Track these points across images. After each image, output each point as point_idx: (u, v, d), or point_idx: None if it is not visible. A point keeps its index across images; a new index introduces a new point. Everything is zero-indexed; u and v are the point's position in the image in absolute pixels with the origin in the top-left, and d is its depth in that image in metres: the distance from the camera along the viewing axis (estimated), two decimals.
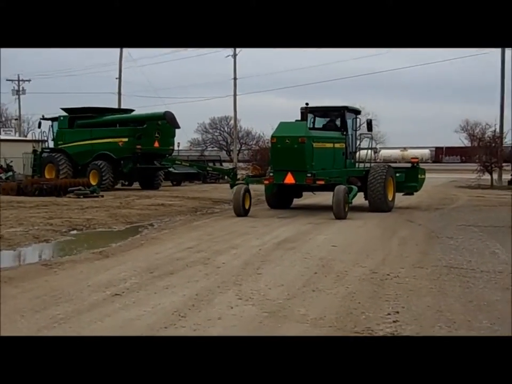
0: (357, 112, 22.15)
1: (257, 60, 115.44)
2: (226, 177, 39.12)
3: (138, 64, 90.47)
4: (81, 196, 24.46)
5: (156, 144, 30.75)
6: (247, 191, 18.97)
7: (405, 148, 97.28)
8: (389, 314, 7.00)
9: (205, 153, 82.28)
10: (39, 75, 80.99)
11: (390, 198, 20.65)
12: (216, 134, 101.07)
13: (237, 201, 18.57)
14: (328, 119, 21.78)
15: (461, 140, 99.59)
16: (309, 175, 18.60)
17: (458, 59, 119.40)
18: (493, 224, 16.32)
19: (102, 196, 24.94)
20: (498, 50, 39.84)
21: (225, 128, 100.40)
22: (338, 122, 21.42)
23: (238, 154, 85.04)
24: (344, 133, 21.12)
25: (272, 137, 19.27)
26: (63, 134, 31.90)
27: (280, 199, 21.20)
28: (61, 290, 8.15)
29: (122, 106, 46.49)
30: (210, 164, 42.78)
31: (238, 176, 35.79)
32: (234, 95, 54.56)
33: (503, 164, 38.70)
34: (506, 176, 39.28)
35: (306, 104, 20.00)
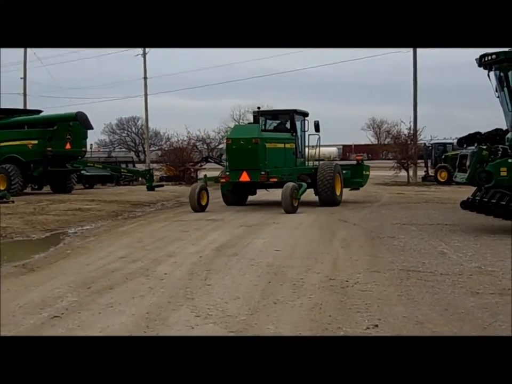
0: (305, 114, 23.47)
1: (161, 60, 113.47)
2: (140, 178, 38.15)
3: (44, 63, 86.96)
4: None
5: (68, 146, 29.26)
6: (203, 188, 20.13)
7: (313, 146, 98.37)
8: (368, 328, 6.35)
9: (113, 155, 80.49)
10: None
11: (338, 193, 22.02)
12: (124, 134, 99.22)
13: (193, 198, 19.67)
14: (278, 121, 23.12)
15: (368, 138, 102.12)
16: (262, 173, 20.05)
17: (365, 59, 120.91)
18: (427, 222, 16.04)
19: (13, 202, 23.39)
20: (407, 50, 40.05)
21: (133, 129, 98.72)
22: (287, 124, 22.80)
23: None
24: (294, 134, 22.51)
25: (228, 138, 20.84)
26: None
27: (236, 197, 22.22)
28: None
29: (29, 107, 44.44)
30: (123, 166, 41.55)
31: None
32: (145, 94, 53.16)
33: (418, 161, 39.11)
34: (420, 173, 39.84)
35: (258, 108, 22.54)
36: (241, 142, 20.16)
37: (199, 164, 43.86)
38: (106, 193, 30.28)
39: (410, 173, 37.89)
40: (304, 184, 20.28)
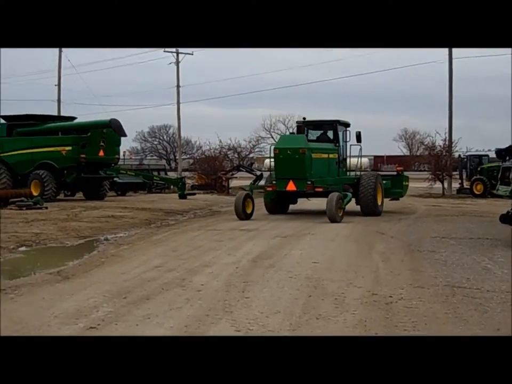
0: (347, 125, 23.57)
1: (192, 69, 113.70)
2: (172, 186, 38.08)
3: (78, 70, 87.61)
4: (24, 208, 22.87)
5: (101, 153, 29.26)
6: (249, 196, 20.58)
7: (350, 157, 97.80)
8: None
9: (144, 162, 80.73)
10: None
11: (379, 203, 22.37)
12: (155, 142, 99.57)
13: (238, 206, 20.04)
14: (321, 131, 23.42)
15: (400, 149, 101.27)
16: (308, 182, 20.44)
17: (397, 69, 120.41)
18: (467, 236, 15.62)
19: (46, 208, 23.40)
20: (441, 61, 39.63)
21: (165, 137, 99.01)
22: (330, 134, 23.10)
23: (177, 164, 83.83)
24: (337, 144, 22.75)
25: (275, 148, 21.03)
26: (0, 142, 30.07)
27: (278, 205, 22.59)
28: (24, 323, 6.93)
29: (63, 114, 44.68)
30: (156, 173, 41.53)
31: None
32: (178, 103, 53.19)
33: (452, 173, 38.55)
34: (454, 185, 39.27)
35: (304, 118, 23.16)
36: (288, 152, 20.52)
37: (231, 173, 43.67)
38: (138, 200, 30.22)
39: (446, 185, 37.31)
40: (349, 194, 20.88)
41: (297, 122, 23.44)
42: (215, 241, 14.42)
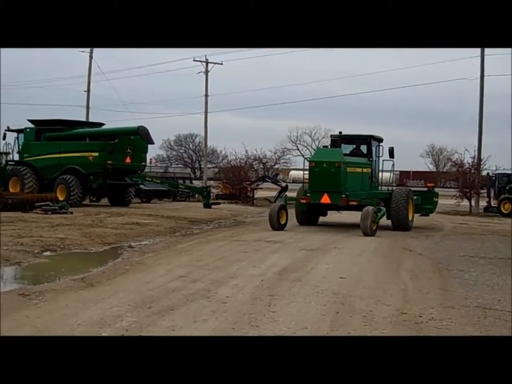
0: (380, 140, 24.05)
1: (220, 78, 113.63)
2: (197, 195, 38.02)
3: (107, 77, 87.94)
4: (49, 212, 22.88)
5: (128, 160, 29.29)
6: (283, 208, 20.90)
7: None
8: None
9: (169, 170, 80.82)
10: (4, 85, 78.65)
11: (410, 218, 22.55)
12: (181, 151, 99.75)
13: (273, 217, 20.39)
14: (354, 145, 23.65)
15: (426, 165, 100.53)
16: (343, 196, 20.74)
17: (423, 85, 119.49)
18: (496, 256, 15.32)
19: (71, 213, 23.38)
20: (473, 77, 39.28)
21: (191, 146, 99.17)
22: (364, 149, 23.43)
23: (202, 172, 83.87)
24: (370, 159, 23.20)
25: (311, 161, 21.53)
26: (29, 146, 30.18)
27: (309, 217, 22.83)
28: (48, 330, 6.83)
29: (91, 120, 44.88)
30: (181, 181, 41.53)
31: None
32: (206, 112, 53.23)
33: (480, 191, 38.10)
34: (482, 203, 38.81)
35: (340, 132, 23.35)
36: (324, 165, 20.83)
37: (256, 183, 43.57)
38: (163, 208, 30.17)
39: (473, 202, 36.86)
40: (383, 209, 21.07)
41: (331, 136, 23.87)
42: (240, 252, 14.28)
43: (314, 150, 23.92)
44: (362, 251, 15.52)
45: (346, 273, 11.46)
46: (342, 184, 20.86)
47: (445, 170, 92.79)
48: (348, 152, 23.08)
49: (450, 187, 51.78)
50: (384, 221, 21.87)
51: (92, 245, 15.16)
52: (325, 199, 20.97)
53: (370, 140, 23.43)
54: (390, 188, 24.31)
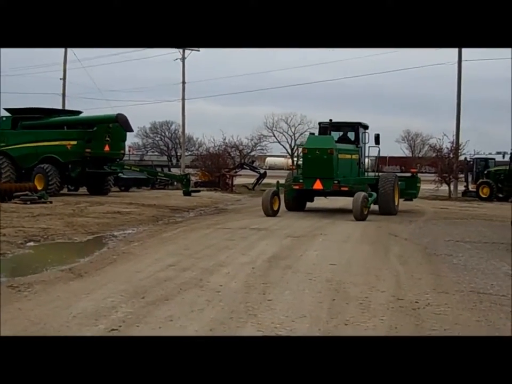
0: (366, 127, 24.56)
1: (194, 66, 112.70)
2: (176, 183, 37.82)
3: (83, 65, 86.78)
4: (28, 202, 22.58)
5: (106, 148, 28.95)
6: (276, 194, 21.11)
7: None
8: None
9: (145, 158, 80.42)
10: None
11: (396, 203, 23.19)
12: (157, 138, 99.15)
13: (266, 203, 20.64)
14: (341, 132, 24.20)
15: (402, 150, 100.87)
16: (335, 182, 21.29)
17: (399, 71, 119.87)
18: (481, 240, 15.37)
19: (51, 202, 23.09)
20: (447, 63, 39.39)
21: (166, 133, 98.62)
22: (351, 136, 24.02)
23: (179, 160, 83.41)
24: (358, 145, 23.74)
25: (304, 148, 22.03)
26: (5, 135, 29.61)
27: (297, 203, 23.26)
28: (42, 323, 6.67)
29: (67, 108, 44.33)
30: (159, 170, 41.26)
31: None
32: (183, 99, 52.90)
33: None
34: (460, 188, 39.06)
35: (330, 120, 23.86)
36: (317, 152, 21.31)
37: (234, 170, 43.45)
38: (143, 196, 29.95)
39: (451, 187, 37.06)
40: (374, 194, 21.50)
41: (320, 123, 24.30)
42: (227, 240, 14.16)
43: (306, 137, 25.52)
44: (348, 237, 15.49)
45: (336, 260, 11.40)
46: (334, 170, 21.34)
47: (420, 155, 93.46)
48: (336, 139, 23.40)
49: (426, 172, 52.15)
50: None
51: (75, 235, 14.95)
52: (317, 185, 21.40)
53: (358, 127, 24.01)
54: (376, 173, 24.67)
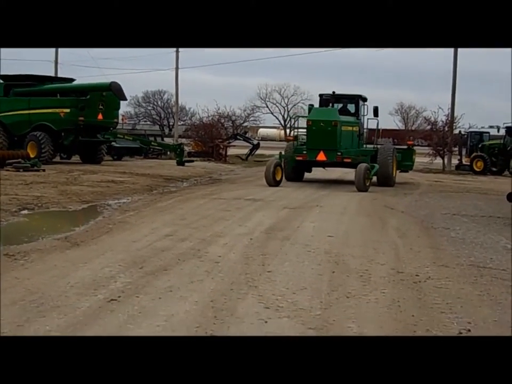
0: (365, 99, 24.90)
1: None
2: (169, 153, 37.58)
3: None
4: (21, 170, 22.38)
5: (100, 117, 28.67)
6: (278, 165, 21.45)
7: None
8: (460, 333, 5.74)
9: (136, 127, 79.85)
10: None
11: (394, 174, 23.52)
12: (149, 108, 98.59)
13: (269, 173, 20.87)
14: (341, 104, 24.49)
15: (395, 123, 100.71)
16: (338, 153, 21.67)
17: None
18: (478, 214, 15.31)
19: (44, 170, 22.90)
20: None
21: (159, 103, 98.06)
22: (351, 108, 24.51)
23: (171, 130, 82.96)
24: (358, 117, 24.22)
25: (308, 120, 22.34)
26: None
27: (296, 174, 23.61)
28: (40, 292, 6.57)
29: (59, 76, 43.89)
30: (152, 139, 40.99)
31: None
32: (176, 68, 52.47)
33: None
34: (453, 161, 39.03)
35: (333, 92, 24.10)
36: (321, 124, 21.66)
37: (228, 141, 43.23)
38: (136, 166, 29.76)
39: (445, 161, 37.01)
40: (376, 165, 21.64)
41: (321, 95, 24.52)
42: (223, 210, 14.06)
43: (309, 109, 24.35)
44: (345, 209, 15.42)
45: (334, 232, 11.32)
46: (338, 142, 21.69)
47: (413, 128, 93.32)
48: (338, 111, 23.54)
49: (418, 145, 52.01)
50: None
51: (69, 203, 14.81)
52: (321, 157, 21.81)
53: (358, 99, 24.45)
54: (375, 145, 24.76)
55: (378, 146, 24.68)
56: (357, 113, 24.26)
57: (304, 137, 23.71)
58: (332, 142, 21.62)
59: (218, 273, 7.75)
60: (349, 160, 21.84)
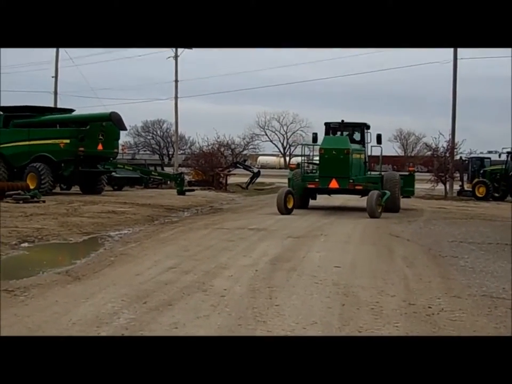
0: (368, 127, 25.55)
1: (185, 65, 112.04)
2: (169, 182, 37.42)
3: (75, 62, 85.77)
4: (21, 201, 22.17)
5: (100, 147, 28.58)
6: (290, 193, 21.59)
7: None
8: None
9: (136, 157, 79.81)
10: None
11: (399, 200, 23.92)
12: (148, 137, 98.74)
13: (280, 201, 20.97)
14: (347, 132, 24.90)
15: (394, 149, 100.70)
16: (351, 181, 22.31)
17: (392, 69, 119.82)
18: (485, 241, 15.07)
19: (44, 201, 22.69)
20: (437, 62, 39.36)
21: (158, 132, 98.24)
22: (357, 136, 25.06)
23: (170, 159, 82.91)
24: (364, 145, 24.77)
25: (321, 148, 22.84)
26: None
27: (303, 202, 23.63)
28: (41, 331, 6.32)
29: (59, 106, 43.83)
30: (152, 168, 40.87)
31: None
32: (176, 97, 52.44)
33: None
34: (455, 187, 38.85)
35: (342, 120, 24.90)
36: (334, 152, 22.25)
37: (228, 170, 43.12)
38: (137, 196, 29.56)
39: (447, 186, 36.83)
40: (388, 192, 22.15)
41: (326, 123, 25.20)
42: (226, 240, 13.83)
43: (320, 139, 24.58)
44: (349, 237, 15.19)
45: (341, 262, 11.08)
46: (350, 169, 22.31)
47: (413, 154, 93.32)
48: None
49: (418, 171, 51.90)
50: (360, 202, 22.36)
51: (70, 235, 14.60)
52: (334, 184, 22.34)
53: (364, 127, 25.19)
54: (380, 172, 25.09)
55: (383, 173, 24.93)
56: (362, 141, 24.80)
57: (311, 165, 24.47)
58: (344, 169, 22.14)
59: (224, 307, 7.50)
60: (360, 187, 22.48)
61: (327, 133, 24.90)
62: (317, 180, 22.72)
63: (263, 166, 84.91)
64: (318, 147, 23.98)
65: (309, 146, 25.14)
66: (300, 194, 23.20)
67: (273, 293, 8.37)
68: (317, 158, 25.64)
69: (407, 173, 26.61)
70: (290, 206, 21.29)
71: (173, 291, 8.35)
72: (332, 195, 25.63)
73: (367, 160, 24.89)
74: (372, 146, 25.20)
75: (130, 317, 6.94)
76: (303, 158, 24.70)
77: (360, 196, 24.20)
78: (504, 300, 8.35)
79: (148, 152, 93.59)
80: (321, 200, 25.65)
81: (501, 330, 6.80)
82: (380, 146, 24.91)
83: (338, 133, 24.92)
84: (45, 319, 6.81)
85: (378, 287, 8.95)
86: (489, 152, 52.28)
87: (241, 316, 7.11)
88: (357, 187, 22.50)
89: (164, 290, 8.40)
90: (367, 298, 8.17)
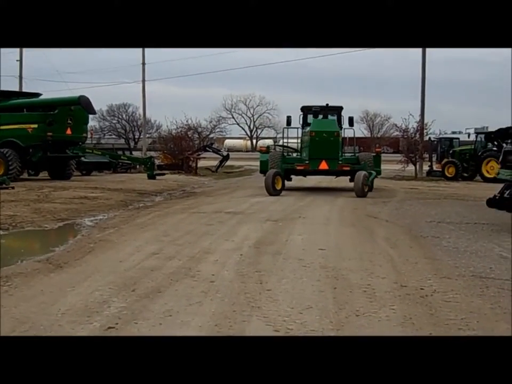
0: (342, 110, 26.54)
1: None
2: (138, 166, 37.03)
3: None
4: None
5: (68, 131, 28.13)
6: (278, 174, 22.15)
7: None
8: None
9: (101, 141, 78.94)
10: None
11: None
12: (114, 121, 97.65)
13: (268, 182, 21.53)
14: (321, 116, 25.63)
15: (360, 131, 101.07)
16: (340, 162, 23.41)
17: (359, 52, 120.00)
18: (462, 220, 15.10)
19: (13, 187, 22.26)
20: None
21: (124, 116, 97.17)
22: (333, 118, 25.83)
23: (136, 143, 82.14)
24: (341, 128, 25.36)
25: (311, 131, 23.56)
26: None
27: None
28: (30, 322, 6.11)
29: (24, 90, 43.05)
30: (121, 153, 40.42)
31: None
32: (143, 80, 51.92)
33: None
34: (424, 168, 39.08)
35: (327, 104, 25.90)
36: (324, 135, 23.18)
37: (197, 153, 42.85)
38: (106, 181, 29.19)
39: (417, 167, 37.02)
40: (373, 173, 23.05)
41: (304, 107, 26.11)
42: (205, 224, 13.65)
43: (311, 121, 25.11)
44: (328, 220, 15.08)
45: (324, 245, 10.96)
46: (339, 151, 23.59)
47: (379, 135, 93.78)
48: None
49: (384, 152, 52.15)
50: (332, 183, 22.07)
51: (44, 222, 14.31)
52: (323, 166, 23.22)
53: (340, 110, 26.15)
54: (353, 153, 26.22)
55: (357, 154, 25.89)
56: (339, 124, 25.31)
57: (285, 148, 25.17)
58: (334, 151, 23.23)
59: (215, 293, 7.34)
60: (347, 168, 23.38)
61: (305, 117, 25.83)
62: (306, 161, 23.45)
63: (230, 149, 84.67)
64: (297, 130, 25.38)
65: (289, 129, 25.32)
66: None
67: (263, 277, 8.23)
68: (292, 141, 26.44)
69: (374, 154, 27.14)
70: (278, 187, 21.85)
71: (160, 277, 8.16)
72: (306, 177, 26.32)
73: (342, 142, 25.62)
74: (344, 128, 25.84)
75: (120, 305, 6.75)
76: (285, 140, 25.41)
77: (335, 177, 25.34)
78: (494, 280, 8.32)
79: (114, 136, 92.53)
80: (295, 181, 25.63)
81: (497, 311, 6.75)
82: (353, 129, 25.80)
83: (320, 116, 25.39)
84: (33, 309, 6.59)
85: (367, 269, 8.87)
86: (453, 132, 52.66)
87: (234, 301, 6.96)
88: (344, 168, 23.39)
89: (151, 277, 8.21)
90: (358, 281, 8.08)
